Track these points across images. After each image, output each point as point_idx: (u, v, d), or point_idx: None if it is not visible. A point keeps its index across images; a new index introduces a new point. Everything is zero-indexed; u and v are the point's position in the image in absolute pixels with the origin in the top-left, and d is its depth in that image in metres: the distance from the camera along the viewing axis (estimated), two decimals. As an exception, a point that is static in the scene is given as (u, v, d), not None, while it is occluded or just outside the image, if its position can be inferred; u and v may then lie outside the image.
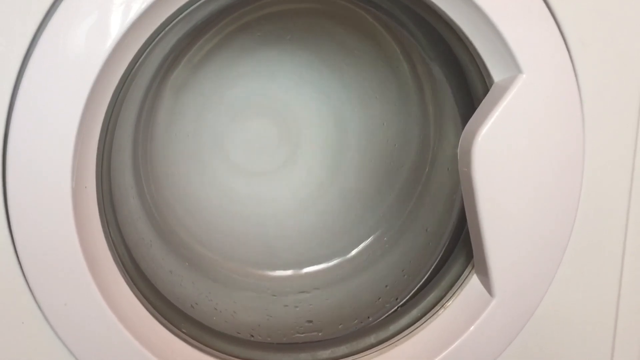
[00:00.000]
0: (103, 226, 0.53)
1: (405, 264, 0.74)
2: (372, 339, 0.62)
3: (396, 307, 0.67)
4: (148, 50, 0.52)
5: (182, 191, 0.80)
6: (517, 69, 0.51)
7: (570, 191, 0.55)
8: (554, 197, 0.54)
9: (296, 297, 0.76)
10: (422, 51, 0.73)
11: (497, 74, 0.53)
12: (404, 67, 0.79)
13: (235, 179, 0.82)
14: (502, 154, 0.52)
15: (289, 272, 0.82)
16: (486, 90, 0.55)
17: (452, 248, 0.65)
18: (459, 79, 0.61)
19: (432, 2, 0.51)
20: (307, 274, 0.82)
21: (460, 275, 0.61)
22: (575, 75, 0.53)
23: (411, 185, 0.81)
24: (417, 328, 0.60)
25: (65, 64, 0.46)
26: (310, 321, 0.70)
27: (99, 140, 0.51)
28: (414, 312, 0.62)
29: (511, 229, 0.54)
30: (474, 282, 0.59)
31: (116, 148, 0.61)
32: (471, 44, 0.53)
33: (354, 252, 0.82)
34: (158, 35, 0.52)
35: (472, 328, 0.57)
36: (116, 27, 0.46)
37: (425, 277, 0.68)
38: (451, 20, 0.52)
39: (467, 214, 0.56)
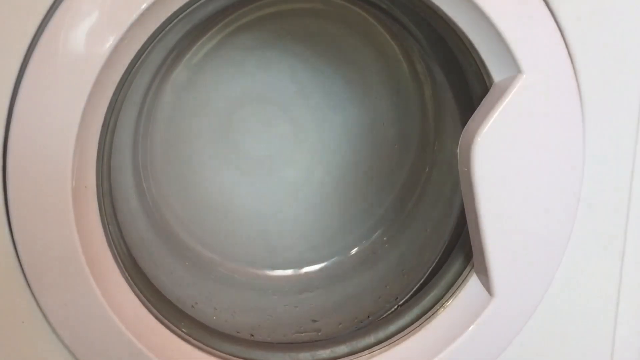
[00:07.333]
0: (103, 226, 0.53)
1: (405, 264, 0.74)
2: (371, 338, 0.62)
3: (396, 307, 0.67)
4: (148, 50, 0.52)
5: (182, 191, 0.80)
6: (517, 69, 0.51)
7: (570, 191, 0.55)
8: (553, 197, 0.54)
9: (296, 297, 0.77)
10: (422, 51, 0.73)
11: (497, 74, 0.53)
12: (404, 67, 0.79)
13: (235, 179, 0.82)
14: (502, 154, 0.52)
15: (289, 272, 0.82)
16: (486, 90, 0.55)
17: (452, 248, 0.65)
18: (459, 79, 0.61)
19: (432, 3, 0.51)
20: (307, 273, 0.82)
21: (460, 275, 0.61)
22: (575, 75, 0.53)
23: (411, 185, 0.81)
24: (416, 327, 0.60)
25: (65, 64, 0.46)
26: (316, 320, 0.70)
27: (99, 140, 0.51)
28: (414, 312, 0.62)
29: (511, 228, 0.54)
30: (473, 281, 0.59)
31: (116, 148, 0.61)
32: (471, 44, 0.53)
33: (354, 251, 0.82)
34: (158, 35, 0.52)
35: (471, 328, 0.57)
36: (116, 27, 0.46)
37: (425, 277, 0.68)
38: (451, 20, 0.52)
39: (467, 214, 0.56)
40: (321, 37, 0.79)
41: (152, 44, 0.52)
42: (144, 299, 0.56)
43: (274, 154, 0.82)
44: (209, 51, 0.76)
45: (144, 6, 0.46)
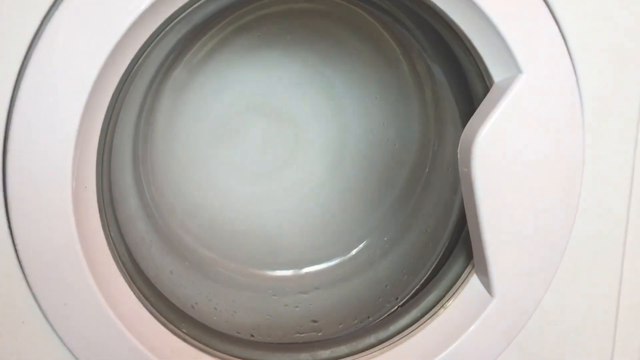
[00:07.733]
0: (103, 226, 0.53)
1: (405, 264, 0.74)
2: (372, 338, 0.62)
3: (396, 307, 0.67)
4: (148, 50, 0.52)
5: (182, 191, 0.80)
6: (517, 69, 0.51)
7: (570, 191, 0.55)
8: (553, 197, 0.54)
9: (296, 297, 0.77)
10: (422, 51, 0.73)
11: (497, 74, 0.53)
12: (404, 67, 0.79)
13: (236, 179, 0.82)
14: (502, 154, 0.52)
15: (289, 272, 0.82)
16: (486, 90, 0.55)
17: (452, 248, 0.65)
18: (459, 79, 0.61)
19: (432, 2, 0.51)
20: (307, 273, 0.82)
21: (460, 275, 0.61)
22: (575, 75, 0.53)
23: (411, 185, 0.81)
24: (417, 328, 0.60)
25: (65, 64, 0.46)
26: (316, 321, 0.70)
27: (99, 140, 0.51)
28: (414, 312, 0.62)
29: (511, 228, 0.54)
30: (474, 282, 0.59)
31: (116, 148, 0.61)
32: (471, 44, 0.53)
33: (354, 252, 0.82)
34: (158, 35, 0.52)
35: (472, 328, 0.57)
36: (116, 27, 0.46)
37: (425, 277, 0.68)
38: (451, 20, 0.52)
39: (467, 214, 0.56)
40: (321, 37, 0.79)
41: (152, 44, 0.52)
42: (144, 299, 0.56)
43: (274, 154, 0.82)
44: (209, 51, 0.76)
45: (143, 6, 0.47)
